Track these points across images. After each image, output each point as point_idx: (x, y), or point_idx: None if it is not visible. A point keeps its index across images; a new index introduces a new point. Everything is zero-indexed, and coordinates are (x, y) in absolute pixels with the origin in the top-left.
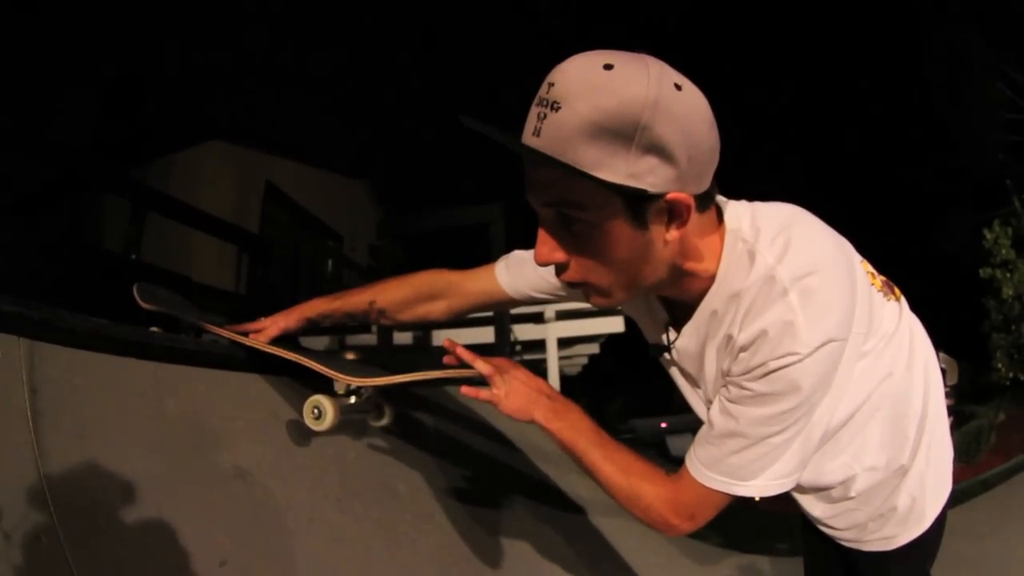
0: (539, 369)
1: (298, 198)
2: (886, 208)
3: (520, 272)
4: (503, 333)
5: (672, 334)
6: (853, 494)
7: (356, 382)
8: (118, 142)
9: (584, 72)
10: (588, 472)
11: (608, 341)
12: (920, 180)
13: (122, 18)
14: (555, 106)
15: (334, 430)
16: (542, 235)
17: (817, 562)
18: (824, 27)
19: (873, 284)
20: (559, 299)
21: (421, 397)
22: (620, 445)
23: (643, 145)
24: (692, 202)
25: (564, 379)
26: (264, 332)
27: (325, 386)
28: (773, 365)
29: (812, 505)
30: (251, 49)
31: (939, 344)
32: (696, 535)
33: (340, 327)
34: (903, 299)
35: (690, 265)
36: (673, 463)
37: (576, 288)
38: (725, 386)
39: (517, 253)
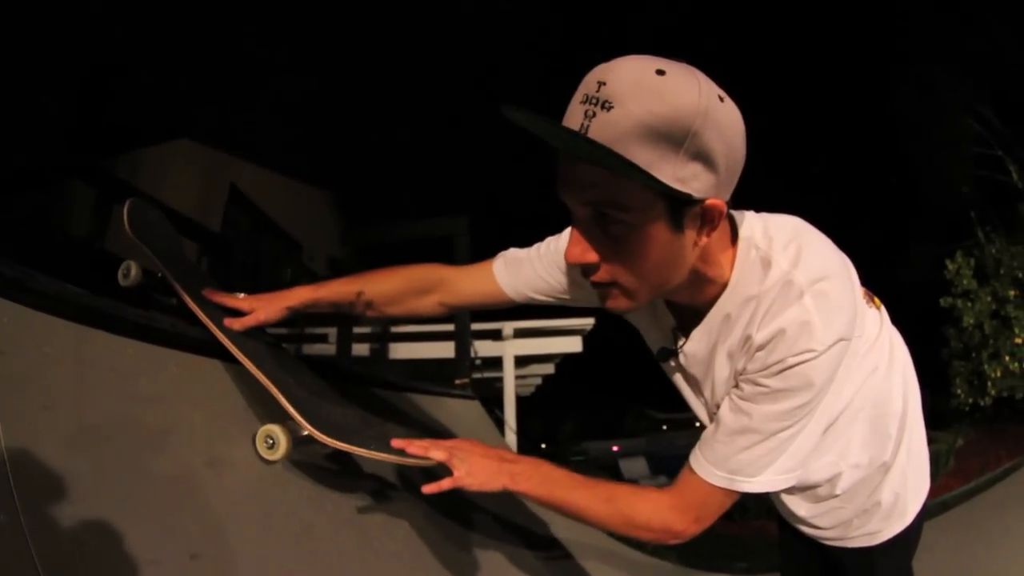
0: (495, 388)
1: (260, 203)
2: (849, 237)
3: (519, 272)
4: (463, 349)
5: (680, 339)
6: (839, 491)
7: (316, 435)
8: (86, 134)
9: (637, 75)
10: (576, 517)
11: (563, 362)
12: (883, 211)
13: (97, 10)
14: (607, 105)
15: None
16: (575, 235)
17: (796, 567)
18: (793, 59)
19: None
20: (558, 301)
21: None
22: (598, 480)
23: (691, 152)
24: (725, 209)
25: (519, 399)
26: (241, 320)
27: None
28: (791, 361)
29: (797, 505)
30: (223, 51)
31: None
32: (656, 551)
33: (319, 318)
34: (883, 309)
35: (708, 270)
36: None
37: (602, 288)
38: (738, 386)
39: (514, 252)
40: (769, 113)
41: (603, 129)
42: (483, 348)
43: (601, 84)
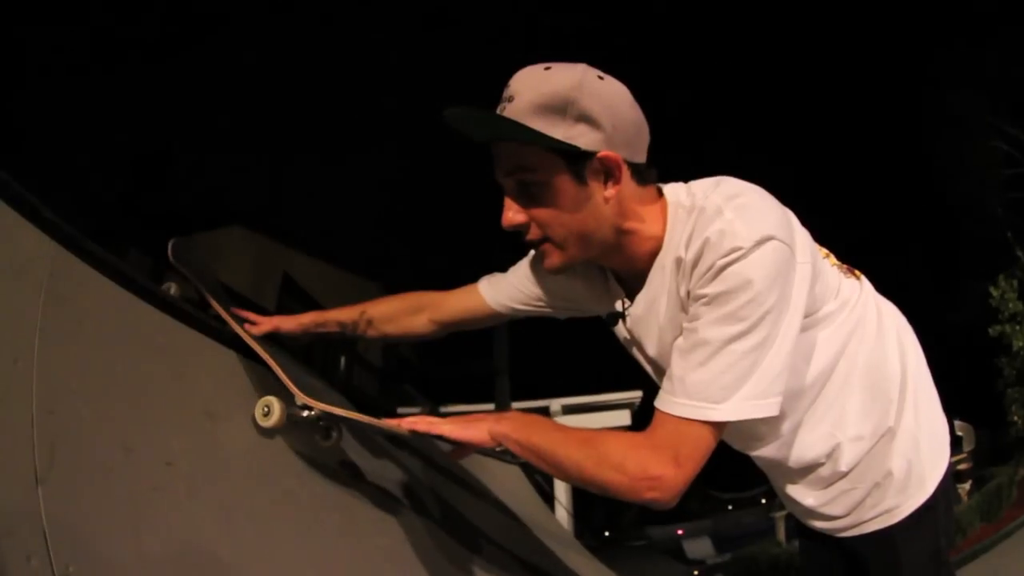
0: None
1: (313, 293)
2: (888, 282)
3: (500, 286)
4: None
5: (626, 302)
6: (844, 468)
7: (308, 401)
8: (143, 216)
9: (530, 73)
10: (552, 467)
11: None
12: (922, 252)
13: (160, 100)
14: (510, 99)
15: (281, 431)
16: (507, 203)
17: (818, 572)
18: (821, 96)
19: (827, 258)
20: (537, 311)
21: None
22: (581, 429)
23: (574, 115)
24: (621, 161)
25: (578, 487)
26: (258, 326)
27: (286, 391)
28: (721, 263)
29: (804, 495)
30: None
31: (955, 412)
32: None
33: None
34: (865, 280)
35: (631, 224)
36: (692, 566)
37: (537, 247)
38: (684, 312)
39: (497, 273)
40: (799, 164)
41: (508, 114)
42: None
43: (507, 87)
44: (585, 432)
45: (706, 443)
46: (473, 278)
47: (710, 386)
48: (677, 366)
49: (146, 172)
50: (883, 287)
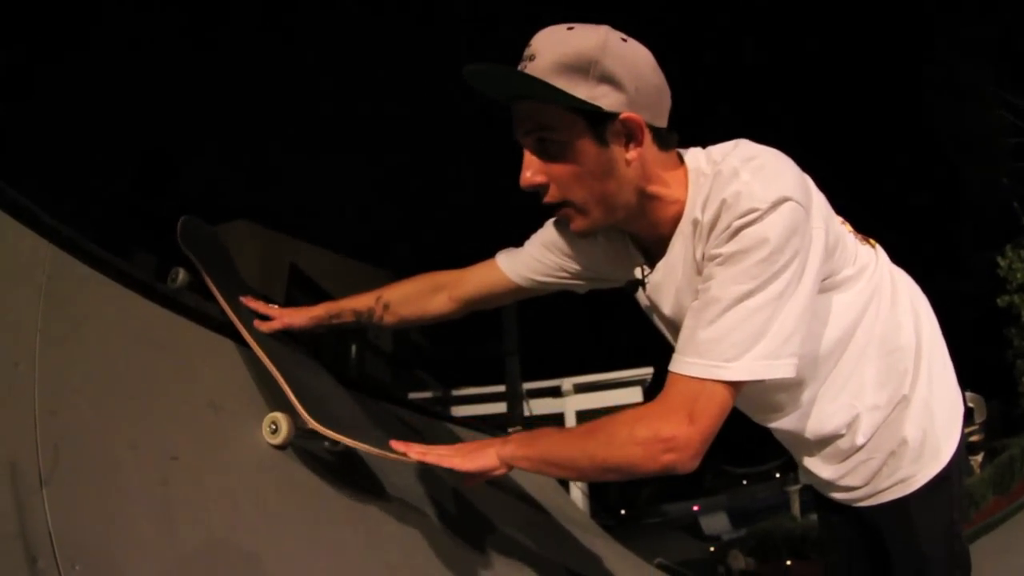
0: None
1: (322, 283)
2: (894, 253)
3: (518, 257)
4: (516, 407)
5: (646, 270)
6: (861, 441)
7: (315, 426)
8: (148, 214)
9: (552, 33)
10: (567, 469)
11: None
12: (928, 219)
13: (162, 98)
14: (531, 57)
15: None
16: (525, 162)
17: (839, 546)
18: (825, 68)
19: (843, 226)
20: (557, 280)
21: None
22: (587, 423)
23: (597, 75)
24: (643, 123)
25: None
26: (269, 324)
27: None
28: (737, 224)
29: (822, 468)
30: (282, 135)
31: (965, 383)
32: None
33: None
34: (880, 249)
35: (654, 188)
36: (708, 542)
37: (558, 210)
38: (699, 275)
39: (512, 248)
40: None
41: (529, 72)
42: (543, 406)
43: (529, 46)
44: (588, 424)
45: (720, 402)
46: (471, 257)
47: (721, 343)
48: (688, 326)
49: (148, 168)
50: (890, 258)
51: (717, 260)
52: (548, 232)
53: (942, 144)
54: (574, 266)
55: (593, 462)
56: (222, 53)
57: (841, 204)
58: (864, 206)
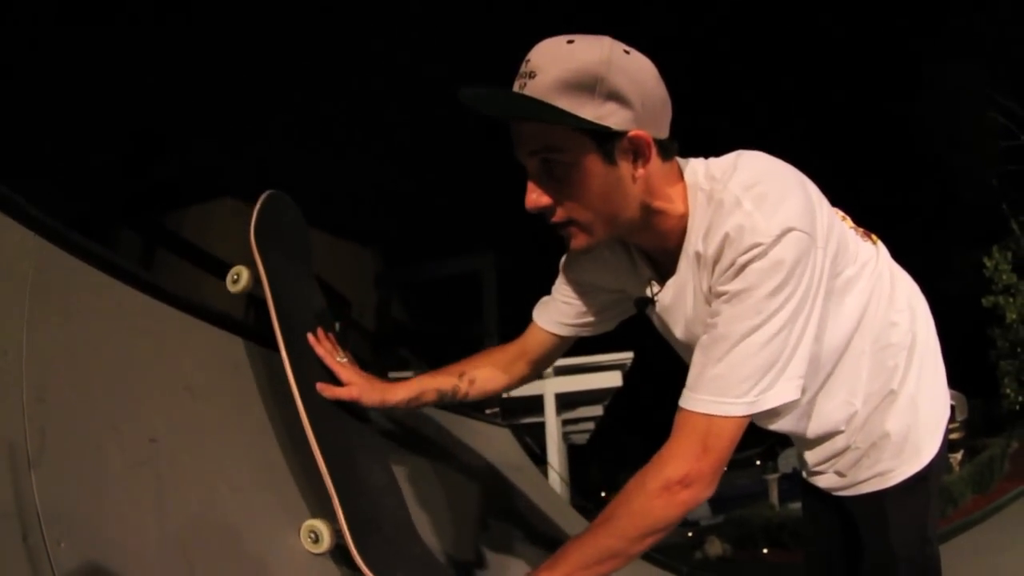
0: (536, 433)
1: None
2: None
3: (546, 310)
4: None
5: (656, 288)
6: (844, 428)
7: (360, 564)
8: (134, 193)
9: (552, 47)
10: (603, 562)
11: (614, 407)
12: (917, 218)
13: (145, 75)
14: (532, 74)
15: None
16: (530, 185)
17: (820, 532)
18: (819, 66)
19: (844, 221)
20: (587, 320)
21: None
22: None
23: (603, 94)
24: (651, 140)
25: (574, 449)
26: (334, 390)
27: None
28: (741, 261)
29: (807, 454)
30: (267, 109)
31: (948, 381)
32: None
33: None
34: (881, 245)
35: (658, 203)
36: (686, 527)
37: (563, 230)
38: (708, 305)
39: (543, 298)
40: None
41: (531, 92)
42: (523, 388)
43: (527, 62)
44: (604, 511)
45: (730, 435)
46: (444, 226)
47: (729, 379)
48: (697, 362)
49: (135, 151)
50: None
51: (724, 297)
52: (563, 272)
53: (933, 145)
54: (592, 292)
55: (627, 540)
56: (211, 28)
57: (831, 203)
58: (852, 206)
